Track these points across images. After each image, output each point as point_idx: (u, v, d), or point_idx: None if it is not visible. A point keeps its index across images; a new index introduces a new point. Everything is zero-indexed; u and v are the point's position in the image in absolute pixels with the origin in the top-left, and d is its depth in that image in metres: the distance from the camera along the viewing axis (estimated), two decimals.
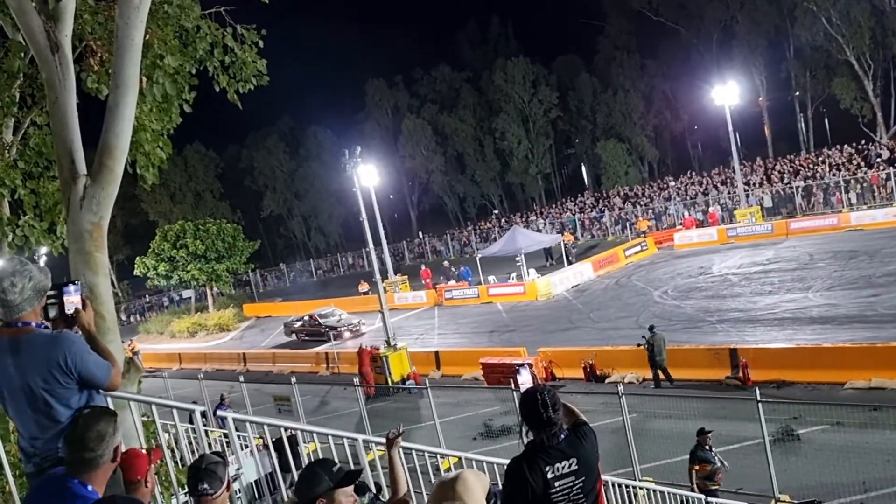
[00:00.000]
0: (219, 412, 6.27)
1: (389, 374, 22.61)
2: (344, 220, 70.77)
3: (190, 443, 9.80)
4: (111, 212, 5.56)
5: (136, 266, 44.66)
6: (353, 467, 3.70)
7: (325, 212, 72.00)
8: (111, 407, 4.86)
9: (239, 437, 7.52)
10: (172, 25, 6.93)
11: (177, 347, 39.69)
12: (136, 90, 5.42)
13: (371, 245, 25.79)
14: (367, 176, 33.77)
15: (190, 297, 50.96)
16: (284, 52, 49.74)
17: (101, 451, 3.15)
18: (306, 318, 34.07)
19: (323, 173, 64.10)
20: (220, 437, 11.88)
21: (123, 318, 56.50)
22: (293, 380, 19.56)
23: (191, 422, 6.93)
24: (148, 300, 62.03)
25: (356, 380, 20.35)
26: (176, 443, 9.44)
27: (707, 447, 10.92)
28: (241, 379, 22.28)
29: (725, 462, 11.04)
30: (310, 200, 72.02)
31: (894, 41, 42.54)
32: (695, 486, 10.83)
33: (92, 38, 7.22)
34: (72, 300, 3.75)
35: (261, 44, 7.40)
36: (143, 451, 3.85)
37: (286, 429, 7.40)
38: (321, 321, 33.15)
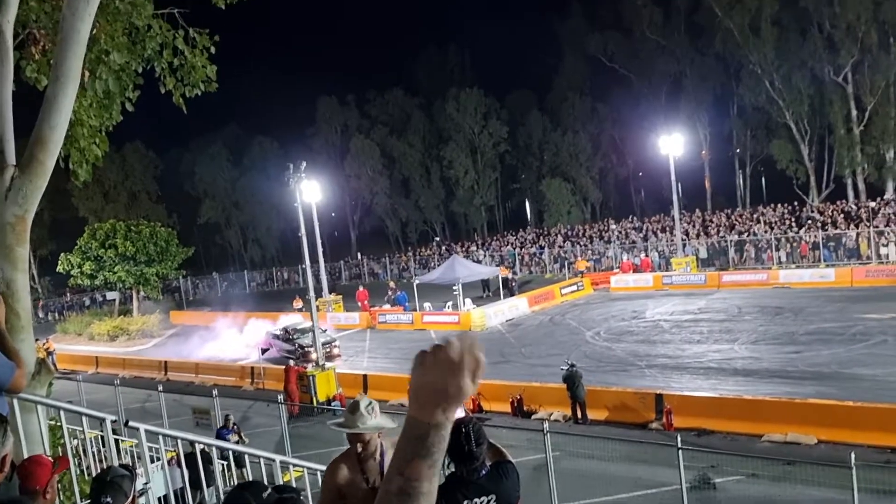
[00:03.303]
0: (223, 434, 6.03)
1: (315, 394, 22.25)
2: (283, 233, 69.83)
3: (98, 452, 9.41)
4: (38, 205, 5.33)
5: (59, 262, 43.14)
6: (286, 491, 3.50)
7: (263, 224, 71.01)
8: (16, 410, 4.62)
9: (150, 448, 7.26)
10: (122, 22, 6.74)
11: (95, 350, 38.32)
12: (77, 84, 5.23)
13: (308, 262, 25.48)
14: (310, 192, 33.45)
15: (114, 300, 49.38)
16: (237, 59, 49.23)
17: None
18: (279, 331, 30.94)
19: (265, 185, 63.21)
20: (131, 447, 11.46)
21: (41, 315, 54.42)
22: (215, 392, 19.05)
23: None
24: (69, 299, 59.82)
25: (280, 397, 19.95)
26: (84, 451, 9.07)
27: None
28: (160, 388, 21.60)
29: None
30: (249, 211, 70.96)
31: (831, 110, 44.47)
32: None
33: (36, 27, 6.97)
34: None
35: (213, 49, 7.24)
36: (48, 459, 3.66)
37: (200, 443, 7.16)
38: (292, 337, 29.97)
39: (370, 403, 4.56)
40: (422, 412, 1.52)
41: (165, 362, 31.42)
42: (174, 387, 26.42)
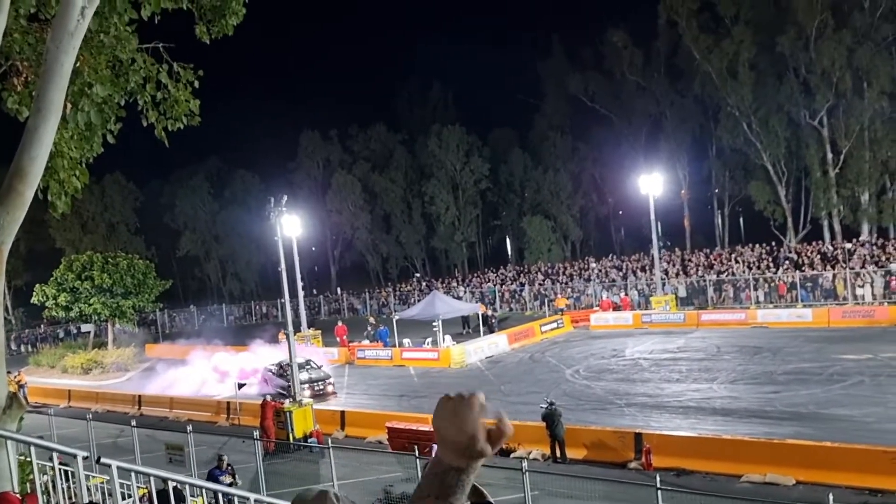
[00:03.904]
0: (216, 475, 5.91)
1: (292, 430, 21.93)
2: (262, 267, 69.53)
3: (68, 488, 9.19)
4: (14, 236, 5.27)
5: (34, 294, 42.57)
6: None
7: (243, 258, 70.60)
8: None
9: (122, 485, 7.11)
10: (106, 55, 6.74)
11: (67, 384, 37.65)
12: (59, 116, 5.21)
13: (287, 296, 25.31)
14: (291, 226, 33.40)
15: (89, 332, 48.69)
16: (221, 93, 49.41)
17: None
18: (274, 366, 29.61)
19: (246, 218, 63.02)
20: (102, 483, 11.20)
21: (14, 347, 53.49)
22: (189, 428, 18.74)
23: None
24: (43, 330, 58.90)
25: (256, 433, 19.65)
26: (53, 487, 8.84)
27: None
28: (133, 423, 21.22)
29: None
30: (229, 244, 70.59)
31: (807, 153, 45.25)
32: None
33: (19, 58, 6.95)
34: None
35: (196, 84, 7.26)
36: (16, 497, 3.56)
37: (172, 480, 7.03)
38: (287, 373, 27.77)
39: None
40: (444, 453, 1.58)
41: (139, 396, 30.92)
42: (148, 422, 25.99)
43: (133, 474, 6.56)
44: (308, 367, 29.09)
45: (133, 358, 41.91)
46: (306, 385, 27.57)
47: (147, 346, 45.56)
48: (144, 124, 7.30)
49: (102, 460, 6.11)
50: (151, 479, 6.66)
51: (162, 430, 23.43)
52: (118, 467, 6.01)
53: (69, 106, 6.31)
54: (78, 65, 5.97)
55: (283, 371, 28.61)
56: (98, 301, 41.73)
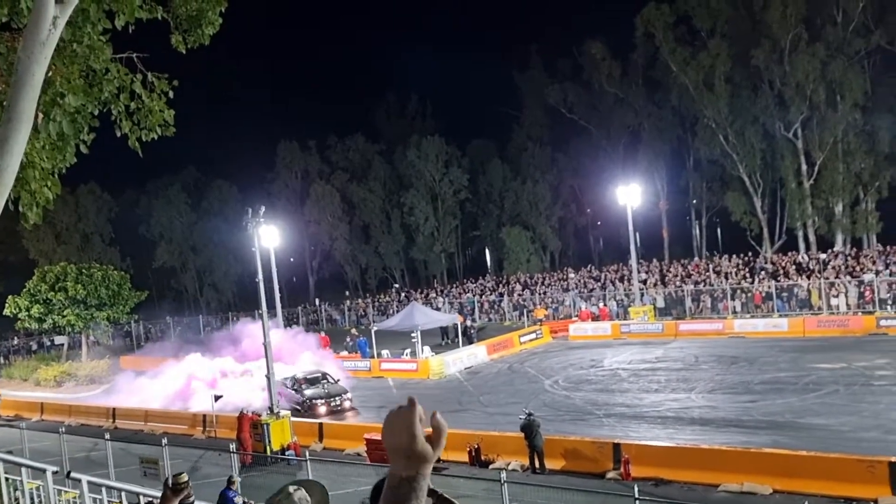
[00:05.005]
0: (230, 496, 5.79)
1: (269, 442, 21.73)
2: (240, 278, 68.94)
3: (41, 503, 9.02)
4: None
5: (7, 305, 41.95)
6: None
7: (220, 268, 70.00)
8: None
9: (93, 500, 6.98)
10: (79, 65, 6.65)
11: (40, 396, 37.07)
12: (30, 126, 5.12)
13: (264, 307, 25.10)
14: (269, 237, 33.18)
15: (62, 344, 48.04)
16: (198, 102, 49.17)
17: None
18: (288, 380, 28.26)
19: (224, 229, 62.56)
20: (73, 498, 11.02)
21: None
22: (164, 441, 18.51)
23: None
24: (15, 343, 57.99)
25: (233, 446, 19.45)
26: (25, 501, 8.67)
27: None
28: (107, 436, 20.91)
29: None
30: (206, 255, 70.00)
31: (782, 164, 45.79)
32: None
33: None
34: None
35: (171, 94, 7.19)
36: None
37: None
38: (297, 387, 27.72)
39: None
40: (394, 465, 1.70)
41: (114, 409, 30.50)
42: (122, 435, 25.63)
43: (104, 489, 6.45)
44: (324, 381, 28.06)
45: (107, 370, 41.37)
46: (322, 401, 26.59)
47: (122, 357, 44.99)
48: (118, 134, 7.22)
49: (73, 475, 6.00)
50: (123, 494, 6.55)
51: (137, 443, 23.11)
52: (89, 482, 5.90)
53: (41, 116, 6.22)
54: (50, 74, 5.89)
55: (296, 385, 27.83)
56: (72, 313, 41.25)
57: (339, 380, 29.05)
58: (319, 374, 28.52)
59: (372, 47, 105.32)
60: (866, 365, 24.94)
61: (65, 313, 41.23)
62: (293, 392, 27.69)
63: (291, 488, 3.17)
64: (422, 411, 1.71)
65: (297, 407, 26.77)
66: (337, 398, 26.87)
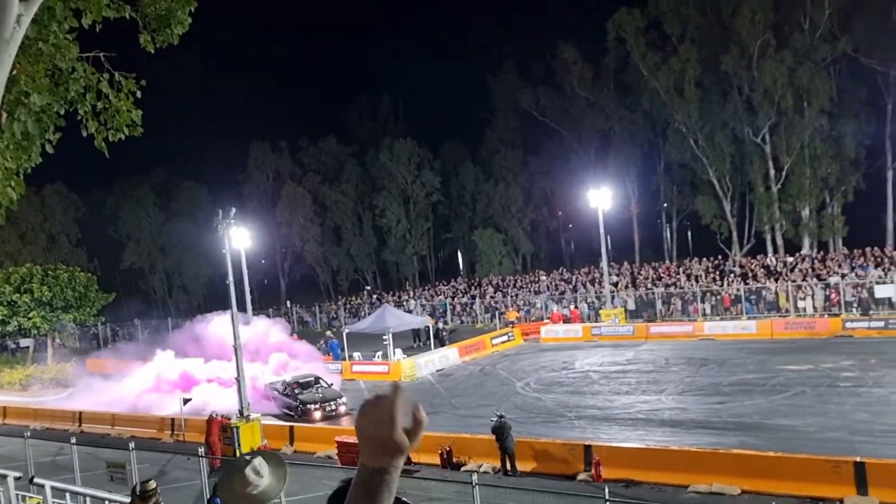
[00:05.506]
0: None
1: (238, 446, 21.49)
2: (210, 280, 68.19)
3: None
4: None
5: None
6: None
7: (190, 270, 69.23)
8: None
9: None
10: (45, 63, 6.52)
11: (4, 400, 36.32)
12: None
13: (235, 309, 24.84)
14: (240, 238, 32.82)
15: (28, 347, 47.22)
16: (167, 102, 48.59)
17: None
18: (280, 384, 27.56)
19: (193, 230, 61.89)
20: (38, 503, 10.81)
21: None
22: (132, 445, 18.23)
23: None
24: None
25: (201, 450, 19.21)
26: None
27: None
28: (73, 441, 20.54)
29: None
30: (175, 257, 69.22)
31: (751, 169, 46.39)
32: None
33: None
34: None
35: (139, 94, 7.08)
36: None
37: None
38: (289, 391, 26.76)
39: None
40: (364, 457, 1.62)
41: (80, 413, 29.98)
42: (89, 439, 25.15)
43: (68, 494, 6.34)
44: (318, 385, 27.12)
45: (73, 373, 40.68)
46: (316, 406, 25.73)
47: (89, 360, 44.27)
48: (84, 134, 7.08)
49: (36, 480, 5.88)
50: (88, 499, 6.44)
51: (104, 447, 22.73)
52: (52, 487, 5.78)
53: (5, 115, 6.09)
54: (14, 73, 5.77)
55: (289, 390, 26.91)
56: (37, 315, 40.60)
57: (332, 383, 28.16)
58: (312, 378, 27.60)
59: (344, 49, 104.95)
60: (832, 366, 25.34)
61: (30, 315, 40.57)
62: (284, 397, 26.87)
63: (248, 457, 3.13)
64: (400, 393, 1.62)
65: (290, 412, 26.08)
66: (332, 402, 26.03)
